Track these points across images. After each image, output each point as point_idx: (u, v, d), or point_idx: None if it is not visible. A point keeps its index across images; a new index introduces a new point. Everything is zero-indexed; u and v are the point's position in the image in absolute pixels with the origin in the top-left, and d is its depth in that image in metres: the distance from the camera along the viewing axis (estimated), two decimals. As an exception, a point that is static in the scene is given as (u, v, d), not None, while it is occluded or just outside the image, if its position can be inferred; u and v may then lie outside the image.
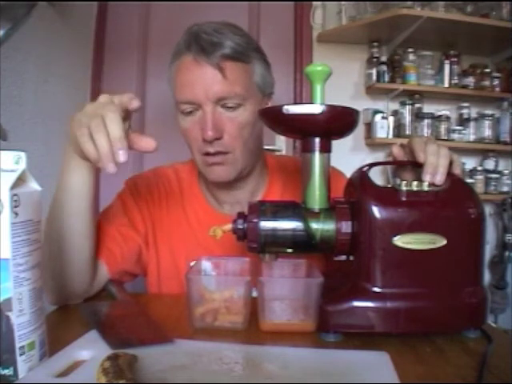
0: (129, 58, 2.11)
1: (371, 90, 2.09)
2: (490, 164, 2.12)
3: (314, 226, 0.57)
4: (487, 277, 2.04)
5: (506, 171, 2.10)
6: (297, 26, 2.12)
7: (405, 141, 0.68)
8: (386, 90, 2.05)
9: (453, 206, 0.57)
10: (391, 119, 2.03)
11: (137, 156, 2.12)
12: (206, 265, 0.67)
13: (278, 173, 0.89)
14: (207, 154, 0.77)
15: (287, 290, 0.60)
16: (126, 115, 0.63)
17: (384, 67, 2.02)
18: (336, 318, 0.55)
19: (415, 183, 0.58)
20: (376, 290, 0.55)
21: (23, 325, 0.42)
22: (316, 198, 0.58)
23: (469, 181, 1.99)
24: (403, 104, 2.06)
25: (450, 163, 0.62)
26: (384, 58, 2.06)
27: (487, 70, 2.09)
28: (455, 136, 2.06)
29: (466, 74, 2.07)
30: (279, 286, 0.60)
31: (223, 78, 0.74)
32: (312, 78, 0.58)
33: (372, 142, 2.06)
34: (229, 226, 0.59)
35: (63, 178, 0.67)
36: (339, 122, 0.58)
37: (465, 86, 2.06)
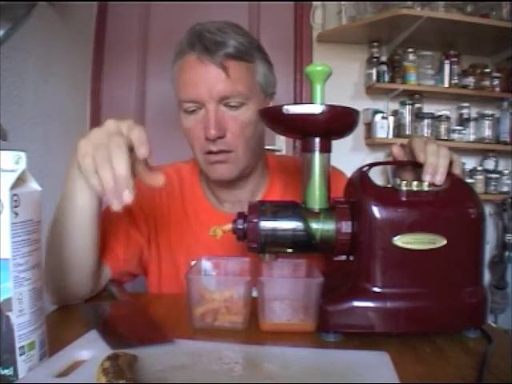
0: (129, 58, 2.11)
1: (371, 90, 2.09)
2: (490, 164, 2.12)
3: (314, 225, 0.57)
4: (487, 277, 2.04)
5: (506, 171, 2.10)
6: (297, 25, 2.12)
7: (405, 141, 0.68)
8: (386, 89, 2.05)
9: (453, 206, 0.57)
10: (391, 119, 2.03)
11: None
12: (206, 265, 0.67)
13: (279, 173, 0.90)
14: (210, 152, 0.77)
15: (287, 290, 0.60)
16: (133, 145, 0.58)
17: (384, 67, 2.02)
18: (336, 318, 0.55)
19: (415, 183, 0.58)
20: (376, 289, 0.55)
21: (23, 325, 0.42)
22: (316, 198, 0.58)
23: (469, 181, 1.99)
24: (403, 104, 2.06)
25: (450, 163, 0.62)
26: (384, 58, 2.06)
27: (487, 70, 2.09)
28: (455, 136, 2.06)
29: (466, 74, 2.07)
30: (279, 286, 0.60)
31: (226, 77, 0.74)
32: (312, 78, 0.58)
33: (372, 142, 2.06)
34: (229, 226, 0.59)
35: (67, 199, 0.65)
36: (339, 122, 0.58)
37: (465, 86, 2.06)
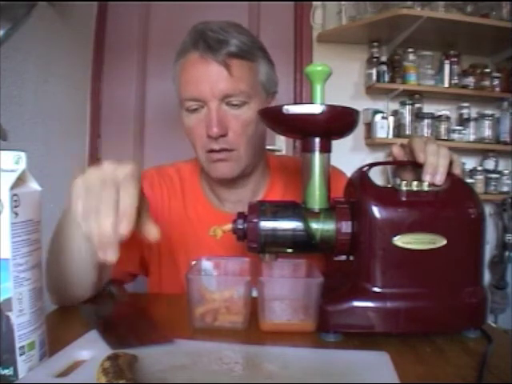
0: (129, 58, 2.11)
1: (371, 90, 2.09)
2: (490, 164, 2.12)
3: (314, 225, 0.57)
4: (487, 277, 2.04)
5: (506, 171, 2.10)
6: (297, 25, 2.13)
7: (405, 141, 0.68)
8: (386, 89, 2.05)
9: (453, 206, 0.57)
10: (391, 119, 2.03)
11: (137, 156, 2.12)
12: (207, 265, 0.67)
13: (280, 173, 0.90)
14: (212, 150, 0.77)
15: (287, 290, 0.60)
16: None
17: (384, 67, 2.02)
18: (336, 318, 0.55)
19: (415, 183, 0.58)
20: (376, 289, 0.55)
21: (23, 325, 0.42)
22: (316, 198, 0.58)
23: (469, 181, 1.99)
24: (403, 104, 2.06)
25: (450, 163, 0.62)
26: (384, 58, 2.06)
27: (487, 70, 2.09)
28: (455, 136, 2.06)
29: (466, 74, 2.07)
30: (279, 286, 0.60)
31: (229, 75, 0.74)
32: (312, 78, 0.58)
33: (372, 142, 2.06)
34: (229, 226, 0.59)
35: (66, 220, 0.63)
36: (339, 122, 0.58)
37: (465, 86, 2.06)
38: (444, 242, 0.54)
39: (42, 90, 1.54)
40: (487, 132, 2.08)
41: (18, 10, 0.97)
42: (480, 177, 2.07)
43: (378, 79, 2.02)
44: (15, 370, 0.41)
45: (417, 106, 2.07)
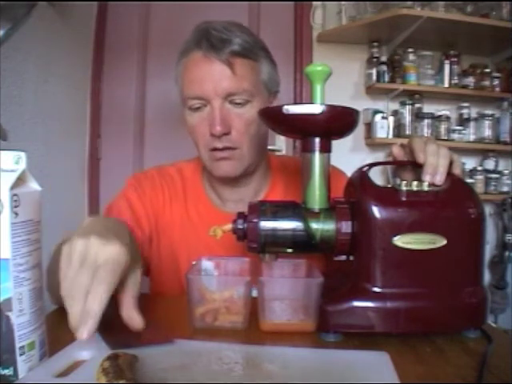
0: (129, 58, 2.11)
1: (371, 90, 2.09)
2: (490, 164, 2.12)
3: (314, 225, 0.57)
4: (487, 277, 2.04)
5: (506, 171, 2.10)
6: (297, 25, 2.13)
7: (405, 141, 0.68)
8: (386, 89, 2.05)
9: (453, 206, 0.57)
10: (391, 119, 2.04)
11: (137, 156, 2.12)
12: (207, 264, 0.67)
13: (281, 173, 0.90)
14: (215, 149, 0.78)
15: (287, 290, 0.60)
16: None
17: (384, 67, 2.02)
18: (336, 318, 0.55)
19: (415, 183, 0.58)
20: (376, 289, 0.55)
21: (23, 325, 0.42)
22: (316, 198, 0.58)
23: (469, 181, 1.99)
24: (403, 104, 2.06)
25: (450, 163, 0.62)
26: (384, 58, 2.06)
27: (487, 70, 2.09)
28: (455, 136, 2.07)
29: (466, 74, 2.07)
30: (279, 285, 0.60)
31: (232, 74, 0.75)
32: (312, 78, 0.58)
33: (372, 142, 2.06)
34: (229, 226, 0.59)
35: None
36: (339, 122, 0.58)
37: (465, 86, 2.06)
38: (444, 242, 0.54)
39: (42, 90, 1.54)
40: (487, 132, 2.08)
41: (18, 10, 0.97)
42: (480, 177, 2.07)
43: (378, 79, 2.02)
44: (15, 370, 0.41)
45: (417, 105, 2.07)
